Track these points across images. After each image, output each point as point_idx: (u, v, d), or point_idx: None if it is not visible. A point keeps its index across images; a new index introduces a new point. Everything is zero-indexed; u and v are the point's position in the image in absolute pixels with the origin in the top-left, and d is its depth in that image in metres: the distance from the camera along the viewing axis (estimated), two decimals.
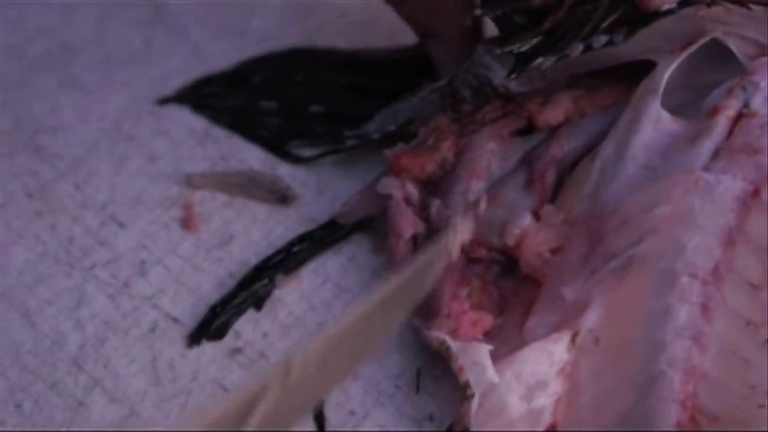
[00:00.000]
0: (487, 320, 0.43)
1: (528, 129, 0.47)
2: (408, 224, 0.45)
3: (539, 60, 0.45)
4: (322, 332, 0.36)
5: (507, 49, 0.45)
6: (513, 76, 0.45)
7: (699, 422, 0.38)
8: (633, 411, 0.39)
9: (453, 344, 0.40)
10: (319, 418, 0.42)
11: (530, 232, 0.43)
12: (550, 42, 0.45)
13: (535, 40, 0.45)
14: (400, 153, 0.47)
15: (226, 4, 0.59)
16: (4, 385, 0.44)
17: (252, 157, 0.52)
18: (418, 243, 0.45)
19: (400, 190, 0.46)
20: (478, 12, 0.47)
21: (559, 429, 0.40)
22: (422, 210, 0.46)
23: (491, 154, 0.46)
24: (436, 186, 0.47)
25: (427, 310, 0.43)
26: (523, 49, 0.45)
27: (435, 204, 0.45)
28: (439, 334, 0.41)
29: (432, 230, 0.45)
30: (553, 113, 0.46)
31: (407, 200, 0.46)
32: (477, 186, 0.46)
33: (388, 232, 0.46)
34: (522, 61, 0.45)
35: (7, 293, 0.47)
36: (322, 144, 0.52)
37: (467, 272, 0.44)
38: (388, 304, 0.37)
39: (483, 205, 0.44)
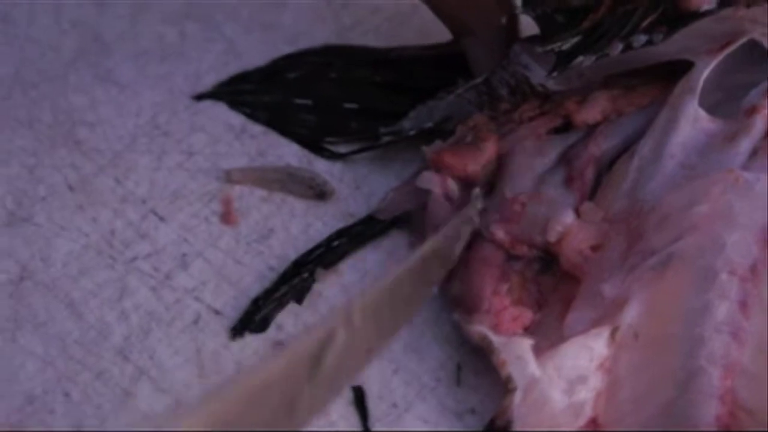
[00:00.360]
0: (527, 316, 0.43)
1: (565, 127, 0.47)
2: (447, 221, 0.45)
3: (580, 59, 0.45)
4: (372, 286, 0.37)
5: (548, 47, 0.46)
6: (554, 74, 0.46)
7: (738, 417, 0.39)
8: (673, 405, 0.40)
9: (495, 338, 0.41)
10: (362, 411, 0.43)
11: (572, 229, 0.44)
12: (591, 41, 0.45)
13: (575, 39, 0.46)
14: (443, 150, 0.48)
15: (257, 1, 0.60)
16: (52, 375, 0.44)
17: (289, 153, 0.53)
18: None
19: (440, 187, 0.46)
20: (519, 10, 0.47)
21: (600, 422, 0.41)
22: (461, 207, 0.46)
23: (531, 152, 0.47)
24: (475, 185, 0.47)
25: (468, 305, 0.44)
26: (564, 47, 0.46)
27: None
28: (480, 328, 0.42)
29: (473, 231, 0.45)
30: (591, 112, 0.47)
31: (447, 196, 0.46)
32: (520, 185, 0.46)
33: (425, 228, 0.47)
34: (563, 60, 0.46)
35: (52, 284, 0.47)
36: (358, 141, 0.53)
37: (507, 269, 0.45)
38: (424, 266, 0.41)
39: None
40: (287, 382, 0.33)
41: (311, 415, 0.34)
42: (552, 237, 0.44)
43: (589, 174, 0.46)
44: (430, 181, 0.47)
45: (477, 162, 0.47)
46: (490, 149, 0.47)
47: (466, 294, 0.45)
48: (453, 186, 0.46)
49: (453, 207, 0.46)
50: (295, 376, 0.33)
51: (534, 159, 0.46)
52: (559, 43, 0.46)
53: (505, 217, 0.45)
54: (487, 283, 0.44)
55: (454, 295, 0.45)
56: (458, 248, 0.44)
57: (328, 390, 0.35)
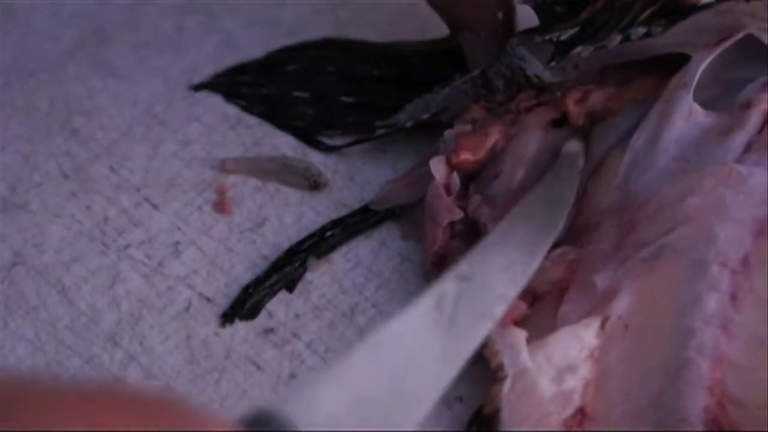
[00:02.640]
0: (521, 309, 0.43)
1: (561, 120, 0.47)
2: (446, 210, 0.45)
3: (578, 49, 0.45)
4: (478, 244, 0.38)
5: (546, 37, 0.46)
6: (551, 64, 0.46)
7: (726, 408, 0.39)
8: (661, 396, 0.40)
9: (493, 327, 0.41)
10: None
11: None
12: (589, 32, 0.45)
13: (573, 30, 0.46)
14: (464, 134, 0.47)
15: None
16: (42, 359, 0.44)
17: (284, 143, 0.53)
18: (455, 231, 0.45)
19: (444, 177, 0.46)
20: (518, 1, 0.47)
21: (588, 411, 0.41)
22: (461, 199, 0.46)
23: (541, 142, 0.46)
24: (474, 176, 0.47)
25: None
26: (561, 37, 0.46)
27: (475, 199, 0.46)
28: None
29: (470, 222, 0.45)
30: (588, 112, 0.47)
31: (446, 187, 0.46)
32: (520, 174, 0.46)
33: (424, 218, 0.46)
34: (560, 50, 0.46)
35: (44, 270, 0.47)
36: (354, 133, 0.53)
37: None
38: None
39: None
40: (409, 337, 0.33)
41: (457, 366, 0.34)
42: None
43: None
44: (438, 168, 0.46)
45: (483, 148, 0.47)
46: (493, 135, 0.47)
47: None
48: (455, 179, 0.46)
49: (451, 198, 0.46)
50: (418, 331, 0.34)
51: (539, 152, 0.46)
52: (557, 33, 0.46)
53: (496, 207, 0.45)
54: None
55: None
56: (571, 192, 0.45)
57: (461, 338, 0.35)
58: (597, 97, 0.47)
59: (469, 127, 0.47)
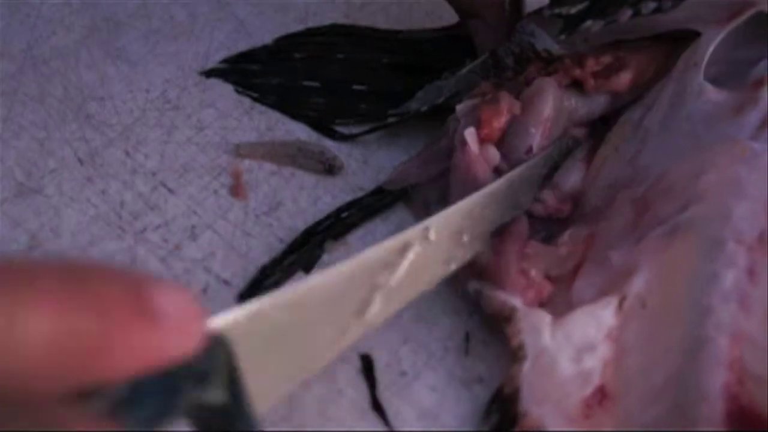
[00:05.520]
0: (548, 288, 0.43)
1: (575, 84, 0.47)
2: (485, 176, 0.45)
3: (588, 23, 0.45)
4: (450, 209, 0.41)
5: (556, 11, 0.46)
6: (561, 37, 0.46)
7: (746, 385, 0.39)
8: (680, 374, 0.40)
9: (520, 306, 0.41)
10: (371, 379, 0.43)
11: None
12: (600, 6, 0.45)
13: (584, 4, 0.45)
14: (480, 105, 0.47)
15: None
16: None
17: (298, 128, 0.53)
18: None
19: (477, 145, 0.45)
20: None
21: (608, 390, 0.41)
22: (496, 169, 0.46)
23: (557, 102, 0.46)
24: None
25: (493, 276, 0.44)
26: (572, 11, 0.45)
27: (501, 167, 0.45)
28: (505, 295, 0.42)
29: None
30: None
31: (483, 155, 0.46)
32: (537, 136, 0.46)
33: (453, 191, 0.46)
34: (570, 24, 0.45)
35: (61, 254, 0.47)
36: (367, 121, 0.52)
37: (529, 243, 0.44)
38: (509, 190, 0.44)
39: None
40: (357, 286, 0.35)
41: (381, 319, 0.37)
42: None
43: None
44: (473, 137, 0.45)
45: (502, 113, 0.46)
46: (504, 98, 0.46)
47: (492, 265, 0.44)
48: (494, 152, 0.45)
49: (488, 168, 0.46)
50: (366, 282, 0.36)
51: (556, 113, 0.46)
52: (567, 7, 0.45)
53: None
54: (513, 259, 0.43)
55: (476, 264, 0.44)
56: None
57: (399, 298, 0.38)
58: (622, 79, 0.46)
59: (478, 100, 0.47)
